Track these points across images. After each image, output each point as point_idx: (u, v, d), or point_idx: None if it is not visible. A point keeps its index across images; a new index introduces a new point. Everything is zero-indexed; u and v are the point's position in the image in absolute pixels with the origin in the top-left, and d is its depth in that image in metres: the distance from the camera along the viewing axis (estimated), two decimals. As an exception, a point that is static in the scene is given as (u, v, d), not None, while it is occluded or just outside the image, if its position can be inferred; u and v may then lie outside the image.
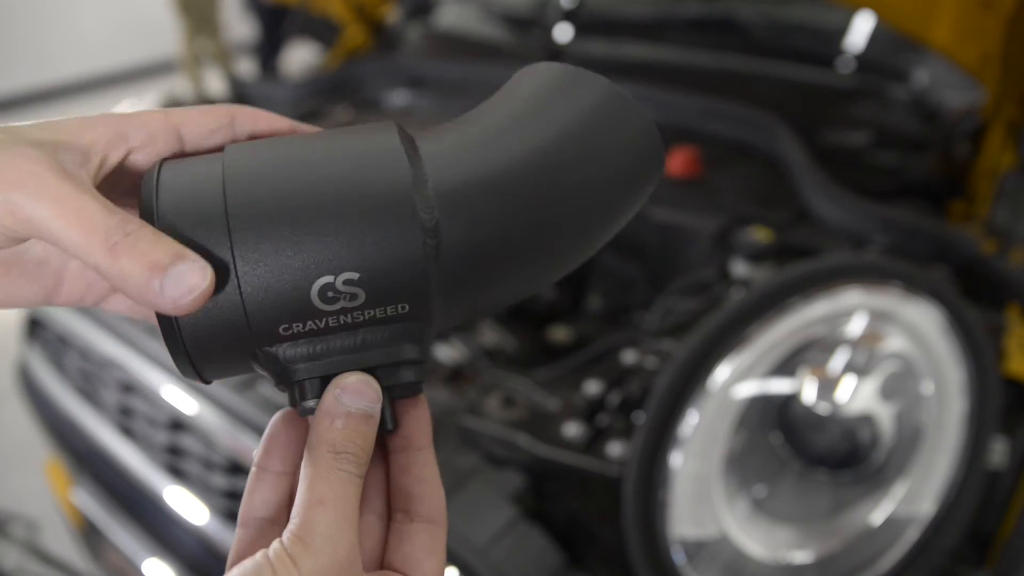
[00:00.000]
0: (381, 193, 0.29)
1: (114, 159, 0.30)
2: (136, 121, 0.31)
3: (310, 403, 0.31)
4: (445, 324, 0.33)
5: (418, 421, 0.34)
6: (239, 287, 0.29)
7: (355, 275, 0.29)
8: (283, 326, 0.30)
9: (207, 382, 0.32)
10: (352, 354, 0.31)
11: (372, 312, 0.30)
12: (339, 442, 0.30)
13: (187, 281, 0.26)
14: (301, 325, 0.30)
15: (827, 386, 0.81)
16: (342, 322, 0.30)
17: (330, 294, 0.29)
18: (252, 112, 0.34)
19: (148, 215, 0.29)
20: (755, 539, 0.80)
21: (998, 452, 0.85)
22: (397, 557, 0.33)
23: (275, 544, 0.28)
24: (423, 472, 0.34)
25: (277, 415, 0.34)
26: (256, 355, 0.31)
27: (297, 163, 0.30)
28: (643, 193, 0.34)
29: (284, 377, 0.31)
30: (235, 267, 0.28)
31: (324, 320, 0.30)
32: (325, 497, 0.29)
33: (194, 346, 0.29)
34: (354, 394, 0.30)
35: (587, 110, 0.32)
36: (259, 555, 0.28)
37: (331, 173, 0.30)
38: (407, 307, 0.30)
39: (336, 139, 0.31)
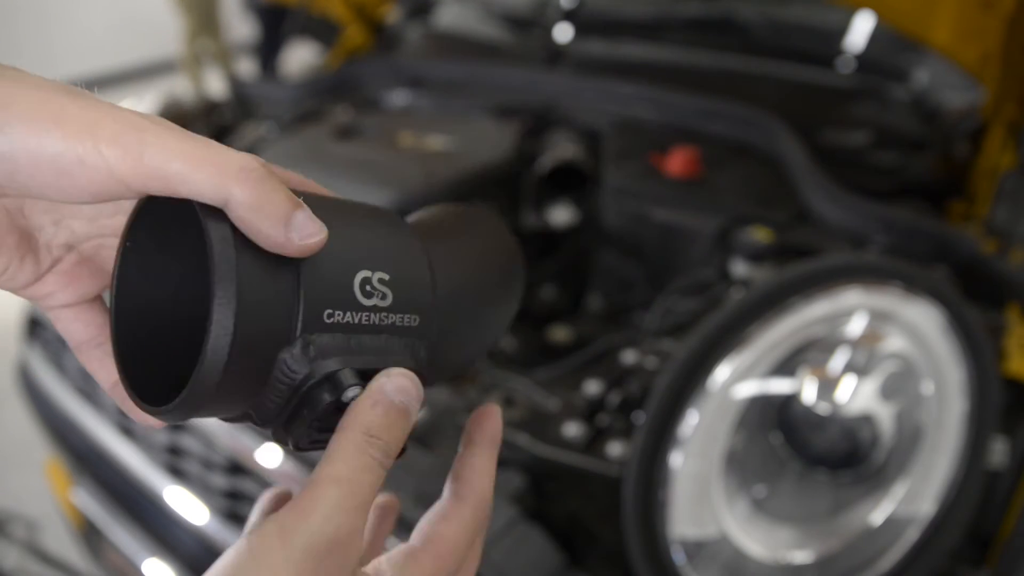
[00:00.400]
0: (400, 230, 0.36)
1: None
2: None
3: (351, 392, 0.31)
4: (435, 357, 0.37)
5: (485, 426, 0.38)
6: (297, 264, 0.30)
7: (386, 275, 0.33)
8: (328, 311, 0.31)
9: (189, 415, 0.29)
10: (375, 355, 0.33)
11: (393, 318, 0.33)
12: (374, 426, 0.29)
13: (309, 227, 0.28)
14: (341, 314, 0.31)
15: (827, 386, 0.81)
16: (371, 321, 0.32)
17: (367, 288, 0.32)
18: None
19: None
20: (755, 539, 0.80)
21: (998, 452, 0.85)
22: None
23: (264, 525, 0.27)
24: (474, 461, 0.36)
25: (266, 495, 0.35)
26: (292, 347, 0.30)
27: (333, 196, 0.35)
28: (520, 280, 0.47)
29: (307, 379, 0.30)
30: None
31: (359, 315, 0.32)
32: (341, 476, 0.28)
33: (244, 322, 0.28)
34: (399, 387, 0.31)
35: (487, 231, 0.45)
36: (238, 542, 0.27)
37: (367, 215, 0.35)
38: (417, 319, 0.35)
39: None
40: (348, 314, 0.31)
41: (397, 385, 0.31)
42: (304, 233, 0.27)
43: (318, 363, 0.30)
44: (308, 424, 0.31)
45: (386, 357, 0.33)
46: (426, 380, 0.34)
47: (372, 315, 0.32)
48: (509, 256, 0.45)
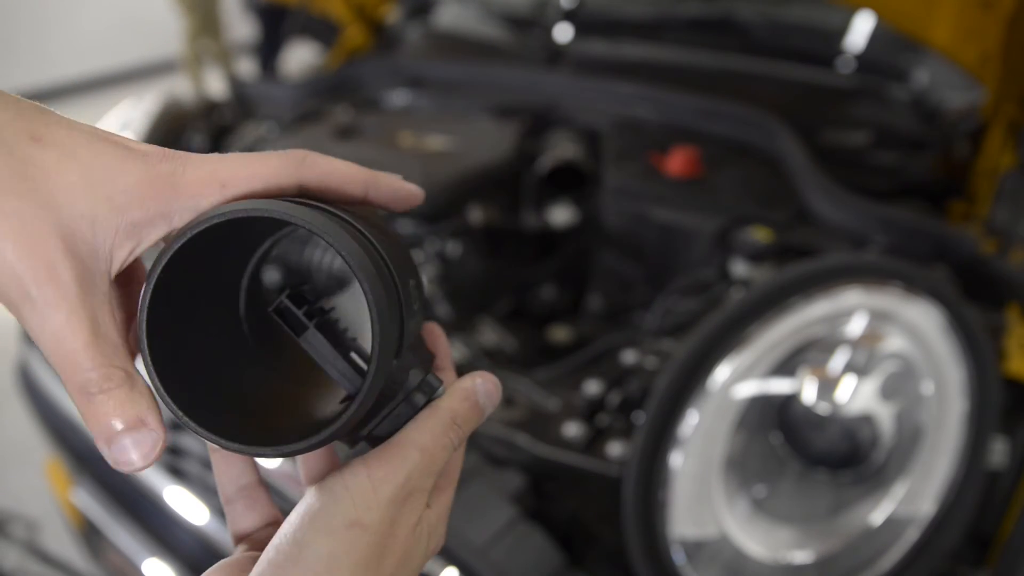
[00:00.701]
0: (399, 237, 0.40)
1: (150, 240, 0.29)
2: (186, 202, 0.29)
3: (439, 392, 0.35)
4: None
5: (439, 348, 0.40)
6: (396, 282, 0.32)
7: (414, 281, 0.36)
8: (410, 321, 0.34)
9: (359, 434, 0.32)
10: (422, 358, 0.36)
11: (415, 320, 0.36)
12: (460, 416, 0.34)
13: (130, 454, 0.27)
14: (410, 323, 0.34)
15: (827, 386, 0.81)
16: (415, 325, 0.36)
17: (412, 295, 0.35)
18: (320, 163, 0.33)
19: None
20: (755, 539, 0.80)
21: (998, 452, 0.85)
22: None
23: (351, 470, 0.31)
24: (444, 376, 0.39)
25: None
26: (397, 360, 0.33)
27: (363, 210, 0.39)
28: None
29: (407, 387, 0.34)
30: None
31: (412, 322, 0.35)
32: (426, 447, 0.32)
33: (388, 350, 0.30)
34: (488, 392, 0.36)
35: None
36: (324, 485, 0.30)
37: (386, 222, 0.39)
38: (422, 320, 0.37)
39: None
40: (412, 322, 0.34)
41: (486, 390, 0.36)
42: (123, 457, 0.27)
43: (409, 372, 0.34)
44: (400, 426, 0.34)
45: (424, 357, 0.36)
46: None
47: (414, 320, 0.35)
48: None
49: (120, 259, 0.28)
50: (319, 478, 0.37)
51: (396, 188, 0.36)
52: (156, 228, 0.29)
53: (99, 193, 0.27)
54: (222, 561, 0.32)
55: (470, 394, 0.35)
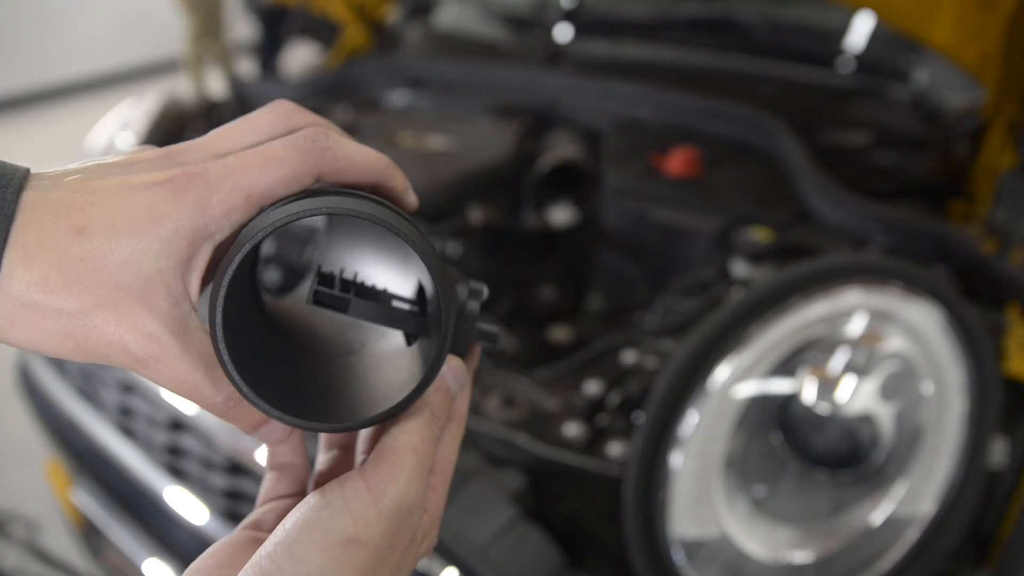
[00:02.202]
0: None
1: (205, 263, 0.32)
2: (221, 221, 0.31)
3: (486, 291, 0.39)
4: None
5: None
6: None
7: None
8: None
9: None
10: None
11: None
12: (436, 408, 0.35)
13: (273, 434, 0.35)
14: None
15: (827, 386, 0.81)
16: None
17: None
18: (336, 159, 0.34)
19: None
20: (755, 539, 0.80)
21: (998, 452, 0.85)
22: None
23: (350, 483, 0.31)
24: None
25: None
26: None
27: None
28: None
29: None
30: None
31: None
32: (417, 447, 0.33)
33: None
34: (455, 376, 0.37)
35: None
36: (323, 495, 0.30)
37: None
38: None
39: None
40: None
41: (454, 374, 0.37)
42: (268, 439, 0.36)
43: (456, 287, 0.37)
44: (466, 339, 0.37)
45: (455, 274, 0.39)
46: None
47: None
48: None
49: (195, 291, 0.32)
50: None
51: (401, 189, 0.37)
52: (204, 251, 0.31)
53: (152, 252, 0.29)
54: (222, 540, 0.33)
55: (440, 384, 0.36)
